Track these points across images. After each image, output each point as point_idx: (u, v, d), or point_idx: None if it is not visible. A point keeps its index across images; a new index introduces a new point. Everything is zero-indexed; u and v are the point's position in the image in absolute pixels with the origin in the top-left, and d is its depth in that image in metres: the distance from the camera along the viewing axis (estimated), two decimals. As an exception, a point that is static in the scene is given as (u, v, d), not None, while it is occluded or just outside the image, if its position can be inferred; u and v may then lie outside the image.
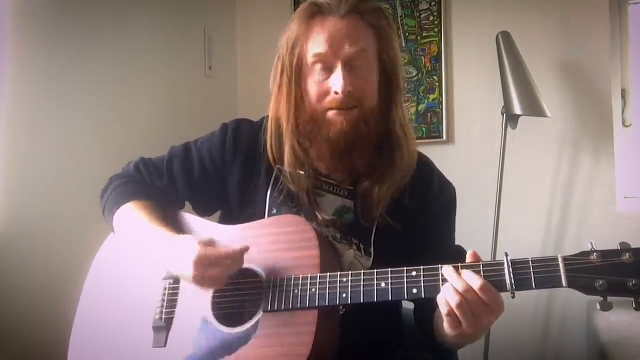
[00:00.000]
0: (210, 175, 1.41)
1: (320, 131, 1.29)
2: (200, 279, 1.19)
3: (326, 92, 1.27)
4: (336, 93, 1.25)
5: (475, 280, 1.05)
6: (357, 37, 1.27)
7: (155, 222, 1.31)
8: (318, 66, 1.27)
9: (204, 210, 1.46)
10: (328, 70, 1.26)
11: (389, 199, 1.31)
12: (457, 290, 1.05)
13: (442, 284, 1.08)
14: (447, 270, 1.09)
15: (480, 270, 1.07)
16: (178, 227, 1.37)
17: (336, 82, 1.25)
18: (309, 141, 1.32)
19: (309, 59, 1.27)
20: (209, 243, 1.20)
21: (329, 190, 1.36)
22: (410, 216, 1.33)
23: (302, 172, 1.32)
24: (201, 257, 1.17)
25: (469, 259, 1.10)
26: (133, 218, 1.35)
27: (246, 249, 1.21)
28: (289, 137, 1.31)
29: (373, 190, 1.31)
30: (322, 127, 1.28)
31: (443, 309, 1.06)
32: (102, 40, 2.15)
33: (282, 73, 1.30)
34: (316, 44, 1.26)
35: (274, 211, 1.35)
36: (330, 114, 1.28)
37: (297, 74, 1.29)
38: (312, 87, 1.28)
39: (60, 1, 1.98)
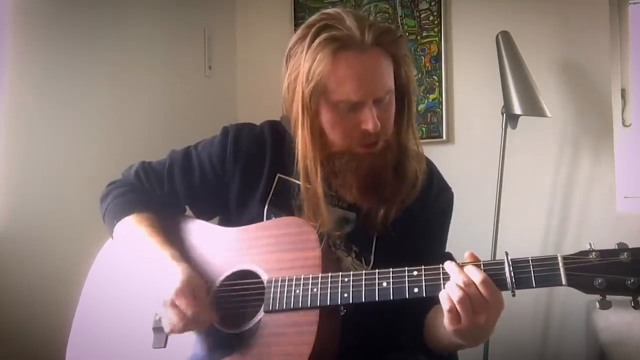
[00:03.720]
0: (211, 182, 1.41)
1: (348, 165, 1.27)
2: (164, 316, 1.21)
3: (354, 128, 1.24)
4: (366, 130, 1.23)
5: (476, 275, 1.05)
6: (384, 77, 1.24)
7: (156, 237, 1.31)
8: (344, 105, 1.23)
9: (203, 216, 1.45)
10: (354, 107, 1.23)
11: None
12: (459, 286, 1.05)
13: (444, 283, 1.08)
14: (449, 265, 1.09)
15: (481, 269, 1.07)
16: (180, 235, 1.38)
17: (368, 120, 1.22)
18: (334, 174, 1.30)
19: (335, 98, 1.23)
20: (192, 291, 1.20)
21: (329, 202, 1.33)
22: (408, 221, 1.33)
23: (309, 186, 1.30)
24: (173, 301, 1.18)
25: (467, 259, 1.10)
26: (135, 232, 1.34)
27: (212, 321, 1.23)
28: (317, 178, 1.27)
29: (380, 207, 1.30)
30: (350, 162, 1.27)
31: (445, 305, 1.06)
32: (102, 40, 2.15)
33: (304, 111, 1.24)
34: (345, 90, 1.21)
35: (273, 218, 1.34)
36: (359, 150, 1.27)
37: (317, 109, 1.25)
38: (339, 122, 1.25)
39: (60, 1, 1.99)
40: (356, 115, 1.24)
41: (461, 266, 1.08)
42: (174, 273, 1.22)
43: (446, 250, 1.41)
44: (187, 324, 1.19)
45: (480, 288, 1.04)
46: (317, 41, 1.21)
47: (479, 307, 1.04)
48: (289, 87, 1.29)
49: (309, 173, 1.27)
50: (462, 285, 1.05)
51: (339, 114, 1.24)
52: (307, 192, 1.29)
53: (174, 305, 1.18)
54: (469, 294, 1.04)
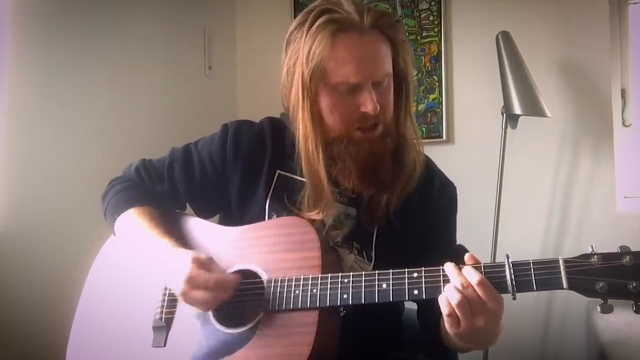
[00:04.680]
0: (211, 179, 1.41)
1: (347, 151, 1.27)
2: (188, 299, 1.20)
3: (353, 111, 1.25)
4: (365, 112, 1.23)
5: (474, 276, 1.05)
6: (383, 60, 1.25)
7: (156, 229, 1.31)
8: (343, 87, 1.24)
9: (204, 213, 1.45)
10: (353, 89, 1.24)
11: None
12: (457, 289, 1.05)
13: (444, 285, 1.08)
14: (448, 266, 1.09)
15: (481, 271, 1.07)
16: (180, 231, 1.38)
17: (367, 102, 1.22)
18: (333, 160, 1.29)
19: (334, 80, 1.23)
20: (204, 263, 1.21)
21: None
22: (411, 217, 1.33)
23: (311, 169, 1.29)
24: (191, 277, 1.18)
25: (468, 262, 1.10)
26: (135, 225, 1.35)
27: (238, 283, 1.22)
28: (318, 160, 1.27)
29: (382, 197, 1.30)
30: (349, 147, 1.27)
31: (444, 310, 1.06)
32: (102, 40, 2.15)
33: (304, 94, 1.25)
34: (344, 71, 1.22)
35: (274, 216, 1.35)
36: (358, 134, 1.27)
37: (317, 93, 1.25)
38: (338, 106, 1.25)
39: (60, 1, 1.98)
40: (355, 99, 1.24)
41: (460, 268, 1.08)
42: (179, 259, 1.22)
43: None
44: (216, 295, 1.19)
45: (478, 290, 1.04)
46: (316, 24, 1.23)
47: (477, 309, 1.04)
48: (288, 72, 1.29)
49: (310, 156, 1.27)
50: (459, 287, 1.05)
51: (338, 97, 1.25)
52: (309, 176, 1.29)
53: (194, 285, 1.18)
54: (467, 297, 1.04)
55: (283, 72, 1.31)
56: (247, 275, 1.26)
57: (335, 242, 1.32)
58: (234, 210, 1.40)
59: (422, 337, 1.37)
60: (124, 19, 2.27)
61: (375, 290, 1.13)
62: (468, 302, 1.04)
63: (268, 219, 1.35)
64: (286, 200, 1.34)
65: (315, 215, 1.29)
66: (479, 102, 2.68)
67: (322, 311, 1.16)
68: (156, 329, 1.28)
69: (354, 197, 1.34)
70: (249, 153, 1.39)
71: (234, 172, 1.39)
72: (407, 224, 1.33)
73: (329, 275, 1.17)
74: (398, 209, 1.32)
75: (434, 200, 1.38)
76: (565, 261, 1.03)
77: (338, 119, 1.26)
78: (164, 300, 1.31)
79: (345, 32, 1.22)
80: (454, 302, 1.04)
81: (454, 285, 1.06)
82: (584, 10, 2.55)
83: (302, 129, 1.28)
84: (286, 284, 1.19)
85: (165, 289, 1.32)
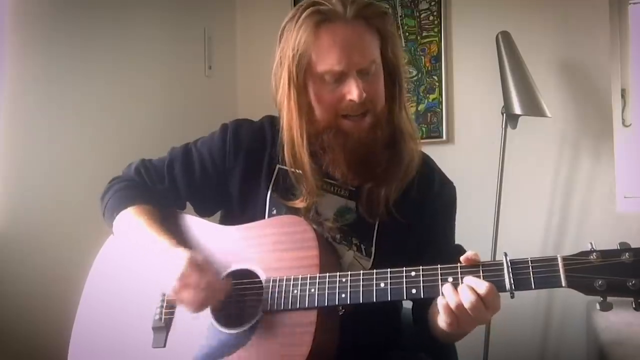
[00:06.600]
0: (211, 176, 1.41)
1: (336, 140, 1.29)
2: (178, 297, 1.21)
3: (340, 100, 1.27)
4: (351, 100, 1.25)
5: (469, 297, 1.05)
6: (367, 47, 1.27)
7: (154, 228, 1.32)
8: (329, 76, 1.26)
9: (205, 211, 1.46)
10: (339, 78, 1.26)
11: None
12: (457, 293, 1.06)
13: (442, 285, 1.08)
14: (447, 289, 1.08)
15: (479, 271, 1.07)
16: (179, 230, 1.38)
17: (352, 89, 1.24)
18: (323, 150, 1.31)
19: (320, 69, 1.26)
20: (199, 264, 1.21)
21: (330, 190, 1.35)
22: (411, 215, 1.34)
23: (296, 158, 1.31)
24: (184, 276, 1.19)
25: (465, 262, 1.10)
26: (133, 223, 1.35)
27: (229, 289, 1.23)
28: (303, 147, 1.29)
29: (380, 189, 1.31)
30: (337, 137, 1.29)
31: (442, 311, 1.07)
32: (102, 40, 2.15)
33: (290, 84, 1.28)
34: (328, 59, 1.24)
35: (274, 212, 1.35)
36: (346, 123, 1.28)
37: (304, 83, 1.28)
38: (325, 95, 1.27)
39: (60, 1, 1.99)
40: (341, 88, 1.26)
41: (459, 273, 1.08)
42: (175, 258, 1.22)
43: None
44: (206, 296, 1.20)
45: (485, 299, 1.04)
46: (303, 15, 1.26)
47: (479, 313, 1.05)
48: (278, 64, 1.32)
49: (295, 143, 1.29)
50: (456, 308, 1.06)
51: (325, 87, 1.27)
52: (293, 163, 1.31)
53: (185, 284, 1.19)
54: (467, 312, 1.05)
55: (274, 64, 1.34)
56: (246, 275, 1.26)
57: (334, 238, 1.33)
58: (235, 207, 1.41)
59: (414, 327, 1.38)
60: (124, 19, 2.27)
61: (373, 290, 1.13)
62: (470, 308, 1.05)
63: (268, 213, 1.35)
64: (286, 194, 1.35)
65: (299, 203, 1.31)
66: (479, 102, 2.68)
67: (320, 311, 1.16)
68: (156, 329, 1.29)
69: (354, 191, 1.35)
70: (249, 149, 1.40)
71: (235, 167, 1.40)
72: (408, 219, 1.33)
73: (327, 274, 1.17)
74: (398, 205, 1.32)
75: (433, 198, 1.38)
76: (564, 259, 1.02)
77: (325, 108, 1.28)
78: (163, 301, 1.31)
79: (329, 22, 1.26)
80: (453, 306, 1.05)
81: (452, 307, 1.06)
82: (584, 10, 2.55)
83: (287, 117, 1.30)
84: (284, 283, 1.19)
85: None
